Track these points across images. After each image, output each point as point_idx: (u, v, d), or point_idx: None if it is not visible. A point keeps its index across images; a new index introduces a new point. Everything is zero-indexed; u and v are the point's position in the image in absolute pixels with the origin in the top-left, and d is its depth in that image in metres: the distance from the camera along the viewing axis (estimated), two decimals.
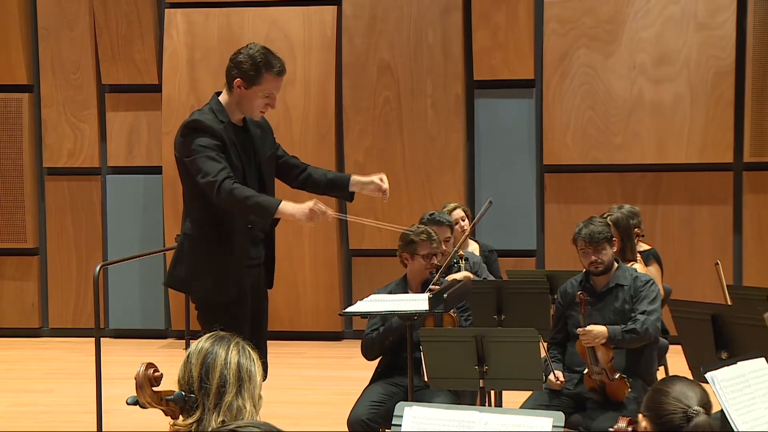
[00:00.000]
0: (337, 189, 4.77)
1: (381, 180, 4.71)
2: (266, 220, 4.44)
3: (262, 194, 4.46)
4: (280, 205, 4.36)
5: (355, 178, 4.75)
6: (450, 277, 5.33)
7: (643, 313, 4.86)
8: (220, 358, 2.71)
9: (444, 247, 5.53)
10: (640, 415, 2.79)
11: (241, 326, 4.43)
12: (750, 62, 8.40)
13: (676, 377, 2.85)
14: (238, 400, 2.67)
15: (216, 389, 2.68)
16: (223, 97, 4.55)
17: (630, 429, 2.72)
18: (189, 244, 4.50)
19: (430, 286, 4.99)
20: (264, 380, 4.55)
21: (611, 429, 2.72)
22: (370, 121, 8.84)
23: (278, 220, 4.48)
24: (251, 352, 2.77)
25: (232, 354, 2.72)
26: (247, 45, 4.55)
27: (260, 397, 2.76)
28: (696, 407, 2.69)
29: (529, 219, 8.84)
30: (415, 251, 5.11)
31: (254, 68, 4.43)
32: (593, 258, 4.97)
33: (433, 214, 5.77)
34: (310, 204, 4.39)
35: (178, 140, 4.51)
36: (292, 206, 4.40)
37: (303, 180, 4.79)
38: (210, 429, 2.64)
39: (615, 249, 5.09)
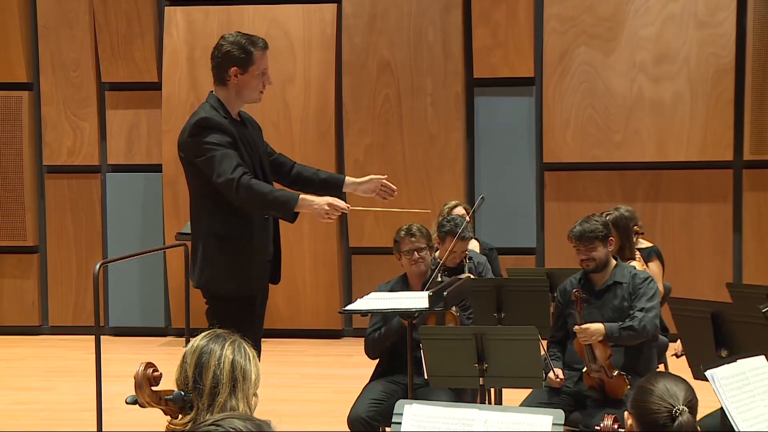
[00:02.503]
0: (330, 189, 4.76)
1: (380, 177, 4.73)
2: (286, 216, 4.43)
3: (279, 189, 4.48)
4: (300, 200, 4.37)
5: (349, 179, 4.80)
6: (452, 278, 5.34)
7: (641, 310, 4.87)
8: (214, 357, 2.67)
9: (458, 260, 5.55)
10: (626, 413, 2.78)
11: (255, 322, 4.48)
12: (750, 60, 8.40)
13: (660, 374, 2.82)
14: (231, 401, 2.64)
15: (209, 389, 2.65)
16: (219, 94, 4.56)
17: (616, 426, 2.71)
18: (214, 243, 4.47)
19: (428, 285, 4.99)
20: None
21: (597, 427, 2.71)
22: (370, 119, 8.84)
23: (296, 215, 4.46)
24: (248, 349, 2.74)
25: (226, 352, 2.69)
26: (221, 37, 4.58)
27: (255, 395, 2.74)
28: (681, 406, 2.65)
29: (529, 217, 8.84)
30: (399, 250, 5.16)
31: (243, 51, 4.48)
32: (584, 256, 5.00)
33: (457, 224, 5.64)
34: (328, 200, 4.40)
35: (185, 140, 4.47)
36: (311, 199, 4.42)
37: (294, 177, 4.80)
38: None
39: (611, 248, 5.08)
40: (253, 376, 2.71)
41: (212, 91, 4.59)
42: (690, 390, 2.73)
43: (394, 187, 4.79)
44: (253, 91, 4.54)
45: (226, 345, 2.71)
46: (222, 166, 4.34)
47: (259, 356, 4.57)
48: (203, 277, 4.53)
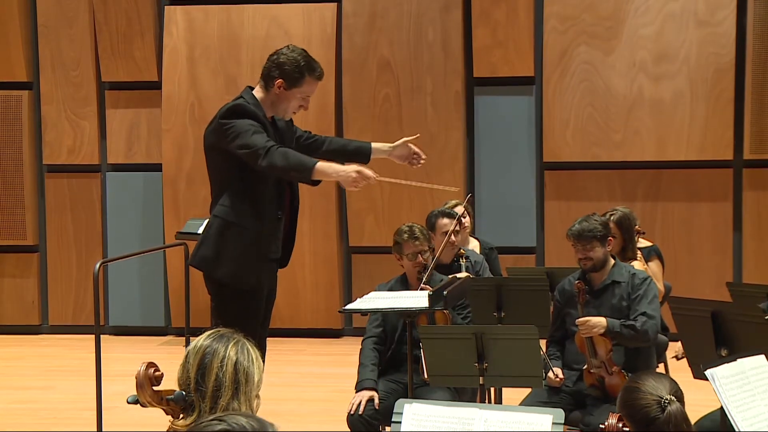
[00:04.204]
0: (359, 157, 4.82)
1: (411, 139, 4.77)
2: (305, 179, 4.47)
3: (302, 154, 4.52)
4: (317, 165, 4.41)
5: (377, 145, 4.84)
6: (450, 277, 5.34)
7: (643, 314, 4.86)
8: (217, 358, 2.65)
9: (454, 238, 5.57)
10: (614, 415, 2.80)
11: (254, 317, 4.49)
12: (750, 59, 8.40)
13: (644, 373, 2.88)
14: (233, 403, 2.61)
15: (212, 392, 2.63)
16: (257, 93, 4.60)
17: (620, 425, 2.73)
18: (218, 226, 4.53)
19: (422, 285, 4.99)
20: None
21: (602, 426, 2.73)
22: (370, 118, 8.84)
23: (319, 180, 4.50)
24: (251, 350, 2.71)
25: (230, 353, 2.66)
26: (287, 46, 4.64)
27: (257, 396, 2.71)
28: (668, 396, 2.72)
29: (529, 216, 8.84)
30: (401, 252, 5.15)
31: (297, 71, 4.53)
32: (581, 255, 5.01)
33: (442, 210, 5.82)
34: (356, 167, 4.44)
35: (216, 125, 4.51)
36: (335, 167, 4.46)
37: (324, 151, 4.85)
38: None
39: (609, 247, 5.07)
40: (256, 378, 2.68)
41: (250, 87, 4.61)
42: (674, 383, 2.79)
43: (424, 155, 4.79)
44: (287, 109, 4.61)
45: (230, 345, 2.68)
46: (252, 140, 4.40)
47: (264, 356, 4.61)
48: (197, 255, 4.59)
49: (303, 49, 4.63)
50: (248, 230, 4.50)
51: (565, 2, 8.59)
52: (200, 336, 2.74)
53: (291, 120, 4.80)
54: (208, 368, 2.64)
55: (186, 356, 2.70)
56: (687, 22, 8.47)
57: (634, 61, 8.55)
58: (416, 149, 4.82)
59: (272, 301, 4.77)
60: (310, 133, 4.92)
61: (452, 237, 5.52)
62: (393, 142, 4.88)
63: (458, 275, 5.39)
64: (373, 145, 4.86)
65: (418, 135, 4.95)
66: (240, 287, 4.50)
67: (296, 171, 4.44)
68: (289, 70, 4.52)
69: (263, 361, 4.60)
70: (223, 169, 4.54)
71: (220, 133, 4.48)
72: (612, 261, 5.09)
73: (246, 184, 4.49)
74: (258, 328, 4.53)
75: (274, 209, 4.56)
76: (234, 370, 2.65)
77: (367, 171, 4.43)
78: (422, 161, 4.83)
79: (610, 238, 5.06)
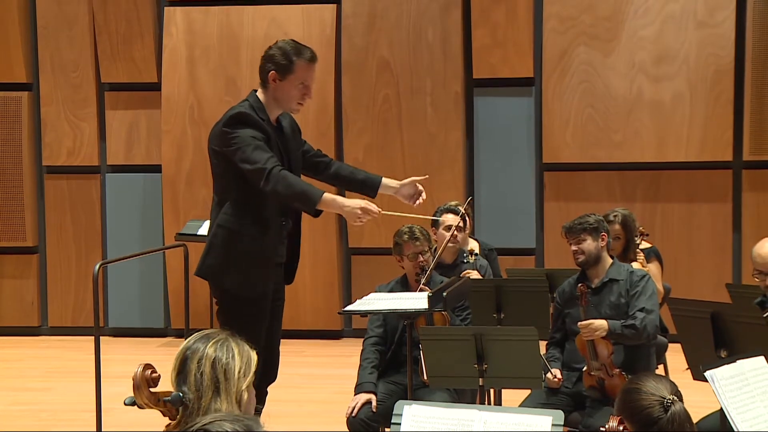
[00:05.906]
0: (366, 190, 4.80)
1: (420, 179, 4.75)
2: (308, 209, 4.45)
3: (307, 183, 4.51)
4: (323, 197, 4.39)
5: (386, 181, 4.80)
6: (464, 273, 5.38)
7: (641, 310, 4.87)
8: (194, 359, 2.62)
9: (457, 233, 5.57)
10: (612, 417, 2.79)
11: (259, 322, 4.49)
12: (749, 60, 8.40)
13: (643, 374, 2.87)
14: (215, 403, 2.57)
15: (193, 393, 2.60)
16: (260, 95, 4.59)
17: (621, 427, 2.72)
18: (223, 235, 4.51)
19: (421, 286, 4.99)
20: (273, 381, 4.55)
21: (603, 429, 2.73)
22: (370, 119, 8.84)
23: (321, 211, 4.48)
24: (234, 346, 2.65)
25: (208, 352, 2.62)
26: (275, 41, 4.63)
27: (244, 392, 2.63)
28: (670, 396, 2.72)
29: (529, 217, 8.84)
30: (401, 252, 5.15)
31: (285, 57, 4.50)
32: (574, 248, 5.03)
33: (447, 207, 5.84)
34: (361, 203, 4.42)
35: (219, 131, 4.49)
36: (341, 201, 4.44)
37: (332, 175, 4.84)
38: None
39: (603, 243, 5.07)
40: (236, 373, 2.62)
41: (255, 91, 4.60)
42: (673, 384, 2.80)
43: (425, 195, 4.77)
44: (289, 100, 4.55)
45: (209, 344, 2.64)
46: (254, 155, 4.37)
47: (278, 360, 4.60)
48: (204, 265, 4.57)
49: (292, 40, 4.63)
50: (254, 239, 4.48)
51: (565, 3, 8.60)
52: (188, 339, 2.73)
53: (299, 130, 4.77)
54: (188, 369, 2.62)
55: (174, 360, 2.69)
56: (686, 23, 8.48)
57: (634, 62, 8.55)
58: (421, 188, 4.78)
59: (280, 306, 4.76)
60: (320, 151, 4.89)
61: (454, 232, 5.52)
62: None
63: (466, 266, 5.43)
64: (383, 180, 4.81)
65: (427, 176, 4.90)
66: (247, 295, 4.49)
67: (300, 201, 4.42)
68: (278, 58, 4.50)
69: (277, 365, 4.60)
70: (226, 175, 4.52)
71: (223, 140, 4.47)
72: (610, 260, 5.10)
73: (250, 191, 4.45)
74: (263, 332, 4.53)
75: (278, 217, 4.55)
76: (212, 368, 2.61)
77: (371, 206, 4.42)
78: (421, 200, 4.77)
79: (603, 233, 5.06)
